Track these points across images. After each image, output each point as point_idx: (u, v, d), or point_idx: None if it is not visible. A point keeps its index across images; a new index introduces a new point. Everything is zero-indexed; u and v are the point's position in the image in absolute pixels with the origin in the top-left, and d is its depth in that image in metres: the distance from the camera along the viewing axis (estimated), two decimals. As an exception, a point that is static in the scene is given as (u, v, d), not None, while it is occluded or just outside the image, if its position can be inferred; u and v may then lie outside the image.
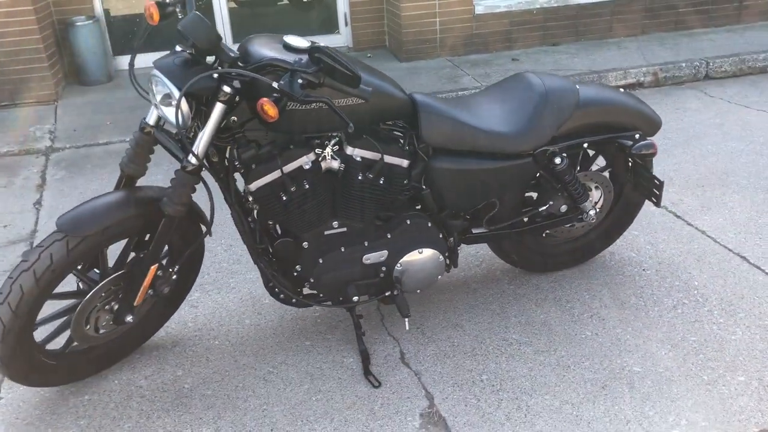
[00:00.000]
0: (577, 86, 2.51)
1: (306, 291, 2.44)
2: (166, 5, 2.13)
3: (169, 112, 2.04)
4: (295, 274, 2.38)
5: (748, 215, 3.30)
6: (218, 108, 2.02)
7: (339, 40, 6.75)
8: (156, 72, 2.04)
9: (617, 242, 3.05)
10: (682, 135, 4.36)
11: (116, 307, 2.27)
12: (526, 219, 2.63)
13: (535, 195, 2.67)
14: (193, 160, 2.08)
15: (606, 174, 2.73)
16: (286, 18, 6.89)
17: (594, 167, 2.73)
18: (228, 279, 3.03)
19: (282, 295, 2.44)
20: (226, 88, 1.99)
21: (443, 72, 5.82)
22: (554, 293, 2.78)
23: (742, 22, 6.71)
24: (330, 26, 6.78)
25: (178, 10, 2.15)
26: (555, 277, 2.88)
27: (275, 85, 1.90)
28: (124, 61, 6.29)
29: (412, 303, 2.73)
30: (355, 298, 2.44)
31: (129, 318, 2.28)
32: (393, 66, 6.09)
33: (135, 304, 2.26)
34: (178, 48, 2.13)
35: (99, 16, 6.05)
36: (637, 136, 2.55)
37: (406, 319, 2.45)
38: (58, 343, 2.35)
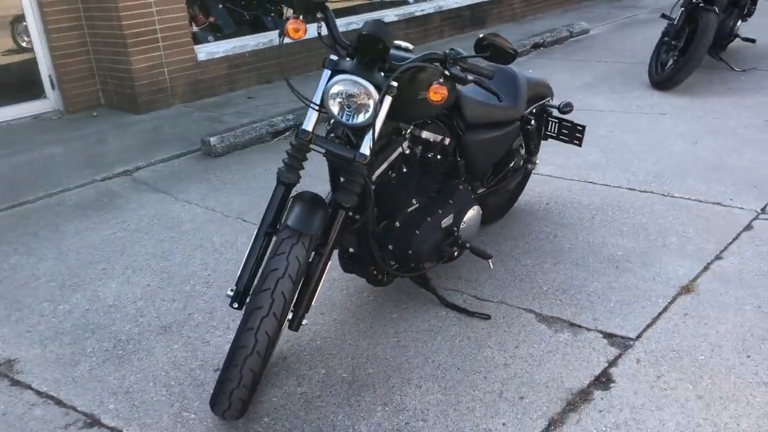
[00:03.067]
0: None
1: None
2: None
3: (365, 109, 2.24)
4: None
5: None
6: (387, 102, 2.31)
7: (47, 105, 6.26)
8: (348, 76, 2.22)
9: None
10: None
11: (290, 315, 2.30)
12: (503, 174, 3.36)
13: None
14: (367, 152, 2.31)
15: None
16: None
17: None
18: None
19: (380, 276, 2.73)
20: (394, 84, 2.29)
21: (197, 116, 6.00)
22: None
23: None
24: (34, 91, 6.23)
25: (319, 26, 2.34)
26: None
27: (447, 72, 2.32)
28: None
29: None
30: (427, 265, 2.86)
31: (305, 322, 2.34)
32: (132, 120, 6.00)
33: (311, 305, 2.33)
34: (333, 57, 2.32)
35: None
36: (549, 100, 3.51)
37: (490, 260, 2.94)
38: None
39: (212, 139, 5.08)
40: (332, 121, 2.46)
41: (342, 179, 2.39)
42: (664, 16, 6.39)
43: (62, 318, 3.07)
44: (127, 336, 2.90)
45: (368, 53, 2.26)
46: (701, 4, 5.59)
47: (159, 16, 6.11)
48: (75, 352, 2.81)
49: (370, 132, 2.29)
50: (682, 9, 5.73)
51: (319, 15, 2.36)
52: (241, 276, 2.34)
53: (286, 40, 2.29)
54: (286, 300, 2.06)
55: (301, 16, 2.30)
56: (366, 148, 2.31)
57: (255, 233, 2.37)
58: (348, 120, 2.29)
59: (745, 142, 4.49)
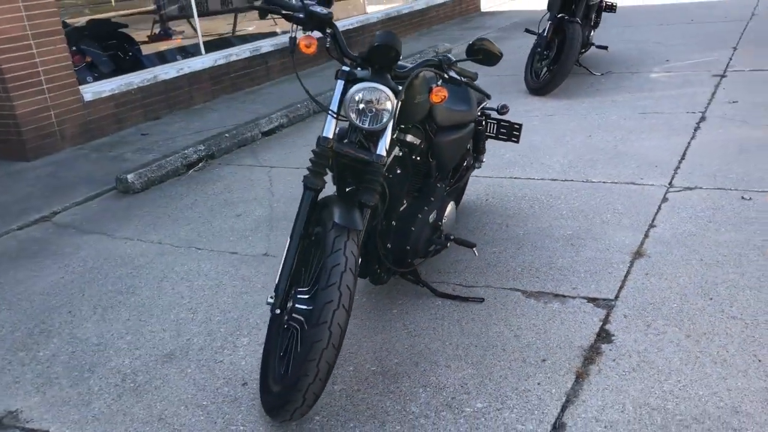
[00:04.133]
0: None
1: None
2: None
3: (381, 113, 2.41)
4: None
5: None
6: (398, 105, 2.50)
7: None
8: (369, 84, 2.38)
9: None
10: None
11: None
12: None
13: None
14: (383, 153, 2.49)
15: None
16: None
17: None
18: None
19: (383, 275, 2.91)
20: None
21: (95, 157, 5.79)
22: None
23: (271, 79, 8.42)
24: None
25: (328, 40, 2.49)
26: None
27: (446, 75, 2.56)
28: None
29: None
30: (417, 261, 3.07)
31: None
32: (23, 168, 5.67)
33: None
34: (345, 68, 2.48)
35: None
36: (487, 103, 3.85)
37: (474, 248, 3.18)
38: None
39: (129, 177, 4.96)
40: (339, 127, 2.61)
41: (356, 180, 2.54)
42: (528, 30, 7.08)
43: (48, 364, 2.93)
44: (131, 369, 2.83)
45: (382, 62, 2.45)
46: (566, 18, 6.27)
47: (40, 57, 5.85)
48: (81, 392, 2.72)
49: (386, 134, 2.47)
50: (550, 22, 6.39)
51: (328, 30, 2.52)
52: (280, 282, 2.41)
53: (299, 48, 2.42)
54: (351, 292, 2.17)
55: (311, 33, 2.44)
56: (382, 149, 2.49)
57: (289, 241, 2.44)
58: (367, 124, 2.45)
59: (631, 132, 5.11)
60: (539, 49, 6.48)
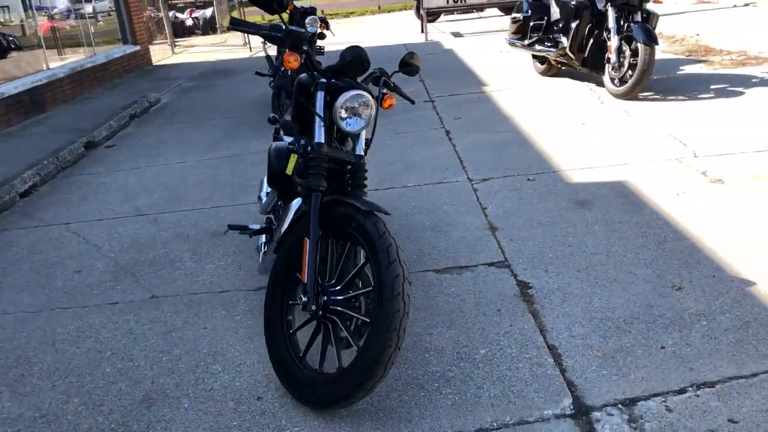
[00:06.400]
0: None
1: None
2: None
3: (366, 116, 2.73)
4: None
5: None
6: (377, 109, 2.84)
7: None
8: (356, 91, 2.66)
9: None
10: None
11: None
12: None
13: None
14: (362, 152, 2.82)
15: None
16: None
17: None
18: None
19: None
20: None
21: None
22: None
23: None
24: None
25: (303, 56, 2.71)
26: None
27: (392, 84, 3.00)
28: None
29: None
30: None
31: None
32: None
33: None
34: (323, 80, 2.72)
35: None
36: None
37: None
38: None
39: None
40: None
41: (335, 181, 2.81)
42: (258, 73, 7.63)
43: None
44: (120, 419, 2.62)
45: (355, 72, 2.78)
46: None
47: None
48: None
49: (362, 135, 2.81)
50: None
51: (304, 47, 2.75)
52: (308, 282, 2.56)
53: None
54: (409, 299, 2.45)
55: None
56: (361, 149, 2.81)
57: (309, 245, 2.59)
58: (349, 127, 2.75)
59: (405, 147, 5.94)
60: (285, 88, 7.01)
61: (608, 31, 6.78)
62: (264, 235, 3.53)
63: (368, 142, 2.91)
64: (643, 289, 3.21)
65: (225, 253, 4.09)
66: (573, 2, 7.17)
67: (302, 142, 2.91)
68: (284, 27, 2.72)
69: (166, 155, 6.56)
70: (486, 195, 4.62)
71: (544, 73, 8.34)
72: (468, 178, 4.98)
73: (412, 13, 18.18)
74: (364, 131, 2.81)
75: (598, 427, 2.37)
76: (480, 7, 14.94)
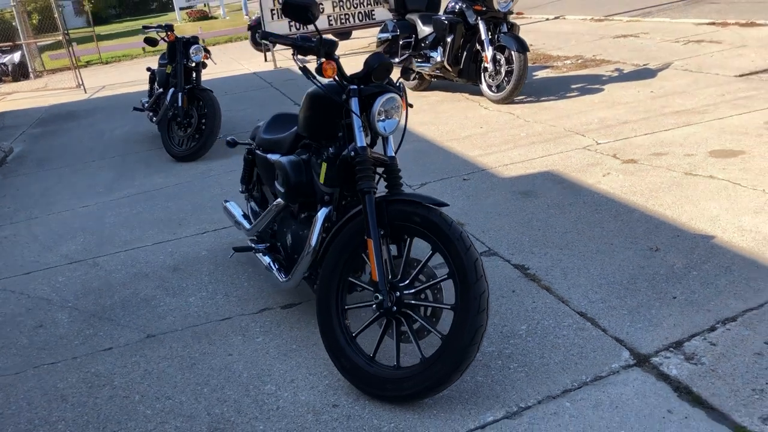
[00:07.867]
0: None
1: None
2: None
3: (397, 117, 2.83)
4: None
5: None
6: (407, 110, 2.95)
7: None
8: (390, 95, 2.76)
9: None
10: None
11: None
12: None
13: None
14: (393, 152, 2.93)
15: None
16: None
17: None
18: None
19: None
20: None
21: None
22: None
23: None
24: None
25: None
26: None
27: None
28: None
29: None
30: None
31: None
32: None
33: None
34: (354, 86, 2.79)
35: None
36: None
37: None
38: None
39: None
40: None
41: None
42: (136, 108, 7.38)
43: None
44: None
45: (383, 77, 2.88)
46: (197, 88, 6.81)
47: None
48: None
49: (392, 136, 2.93)
50: (181, 94, 6.80)
51: (335, 57, 2.80)
52: (380, 279, 2.63)
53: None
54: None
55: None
56: (392, 149, 2.92)
57: (373, 243, 2.65)
58: (386, 128, 2.85)
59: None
60: (179, 119, 6.80)
61: (481, 43, 7.29)
62: (268, 255, 3.49)
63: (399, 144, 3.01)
64: (626, 255, 3.58)
65: (200, 284, 3.94)
66: (445, 18, 7.63)
67: (331, 150, 2.96)
68: (318, 36, 2.76)
69: (62, 201, 6.09)
70: (432, 191, 4.83)
71: (416, 89, 8.73)
72: (407, 185, 5.17)
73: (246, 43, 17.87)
74: (393, 134, 2.91)
75: (665, 369, 2.64)
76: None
